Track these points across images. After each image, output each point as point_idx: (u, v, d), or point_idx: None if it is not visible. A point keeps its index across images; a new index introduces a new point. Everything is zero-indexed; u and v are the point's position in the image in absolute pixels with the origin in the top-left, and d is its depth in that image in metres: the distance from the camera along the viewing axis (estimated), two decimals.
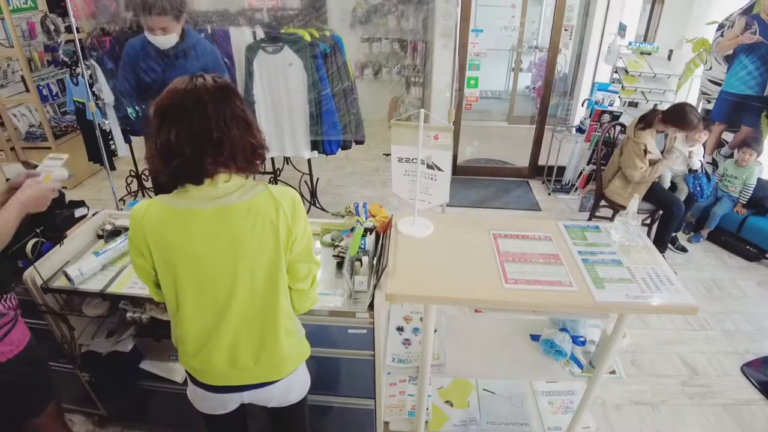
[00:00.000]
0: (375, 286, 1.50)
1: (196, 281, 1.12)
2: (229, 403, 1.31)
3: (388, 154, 4.72)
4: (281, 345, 1.22)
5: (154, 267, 1.14)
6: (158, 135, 1.03)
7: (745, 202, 3.45)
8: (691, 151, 3.13)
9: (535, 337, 1.69)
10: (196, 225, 1.08)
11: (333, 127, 3.10)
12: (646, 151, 2.93)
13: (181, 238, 1.08)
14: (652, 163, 2.98)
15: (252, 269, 1.12)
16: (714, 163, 3.84)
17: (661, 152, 3.09)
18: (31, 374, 1.41)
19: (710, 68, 3.84)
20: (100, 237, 1.90)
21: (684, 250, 3.47)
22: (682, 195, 3.26)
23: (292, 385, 1.33)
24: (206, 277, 1.12)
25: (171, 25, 2.20)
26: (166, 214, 1.08)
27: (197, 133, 1.02)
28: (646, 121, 3.00)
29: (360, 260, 1.61)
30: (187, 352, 1.21)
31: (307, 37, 2.90)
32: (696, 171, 3.21)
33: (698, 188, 3.24)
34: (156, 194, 1.10)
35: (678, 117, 2.88)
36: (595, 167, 3.48)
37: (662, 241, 3.23)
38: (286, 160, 4.14)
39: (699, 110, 4.01)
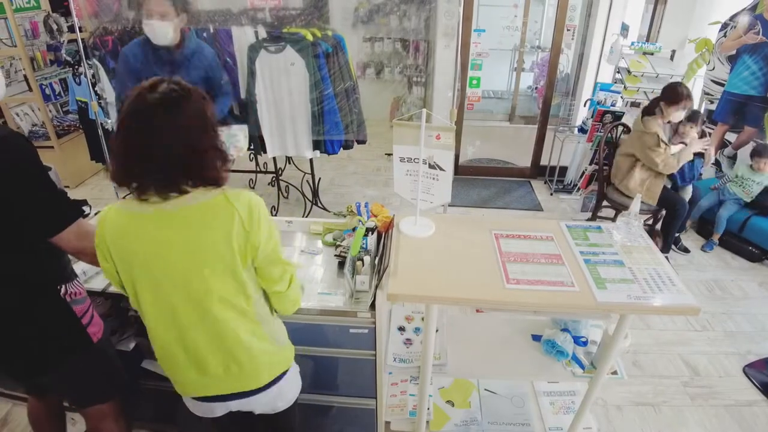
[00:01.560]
0: (377, 286, 1.50)
1: (151, 287, 1.09)
2: (217, 409, 1.29)
3: (389, 154, 4.71)
4: (252, 351, 1.18)
5: (118, 271, 1.12)
6: None
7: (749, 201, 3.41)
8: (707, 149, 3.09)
9: (536, 338, 1.68)
10: (148, 229, 1.05)
11: (335, 126, 3.10)
12: (660, 140, 2.94)
13: (134, 242, 1.06)
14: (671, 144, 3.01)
15: (205, 276, 1.07)
16: (717, 164, 3.82)
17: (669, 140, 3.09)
18: (110, 359, 1.47)
19: (713, 68, 3.83)
20: None
21: (686, 250, 3.46)
22: (686, 195, 3.25)
23: (281, 394, 1.31)
24: (160, 282, 1.08)
25: (170, 11, 2.14)
26: (123, 218, 1.06)
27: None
28: (649, 109, 3.03)
29: (362, 260, 1.61)
30: (159, 358, 1.21)
31: (310, 37, 2.90)
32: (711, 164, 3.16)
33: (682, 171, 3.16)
34: None
35: (668, 93, 2.94)
36: (597, 167, 3.48)
37: (665, 241, 3.22)
38: (288, 159, 4.14)
39: (702, 110, 4.02)
